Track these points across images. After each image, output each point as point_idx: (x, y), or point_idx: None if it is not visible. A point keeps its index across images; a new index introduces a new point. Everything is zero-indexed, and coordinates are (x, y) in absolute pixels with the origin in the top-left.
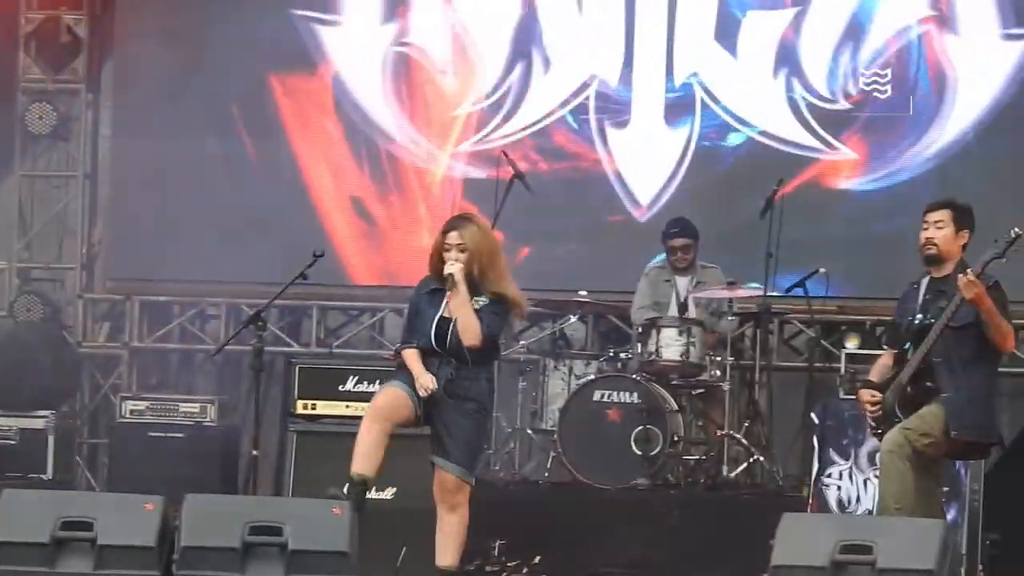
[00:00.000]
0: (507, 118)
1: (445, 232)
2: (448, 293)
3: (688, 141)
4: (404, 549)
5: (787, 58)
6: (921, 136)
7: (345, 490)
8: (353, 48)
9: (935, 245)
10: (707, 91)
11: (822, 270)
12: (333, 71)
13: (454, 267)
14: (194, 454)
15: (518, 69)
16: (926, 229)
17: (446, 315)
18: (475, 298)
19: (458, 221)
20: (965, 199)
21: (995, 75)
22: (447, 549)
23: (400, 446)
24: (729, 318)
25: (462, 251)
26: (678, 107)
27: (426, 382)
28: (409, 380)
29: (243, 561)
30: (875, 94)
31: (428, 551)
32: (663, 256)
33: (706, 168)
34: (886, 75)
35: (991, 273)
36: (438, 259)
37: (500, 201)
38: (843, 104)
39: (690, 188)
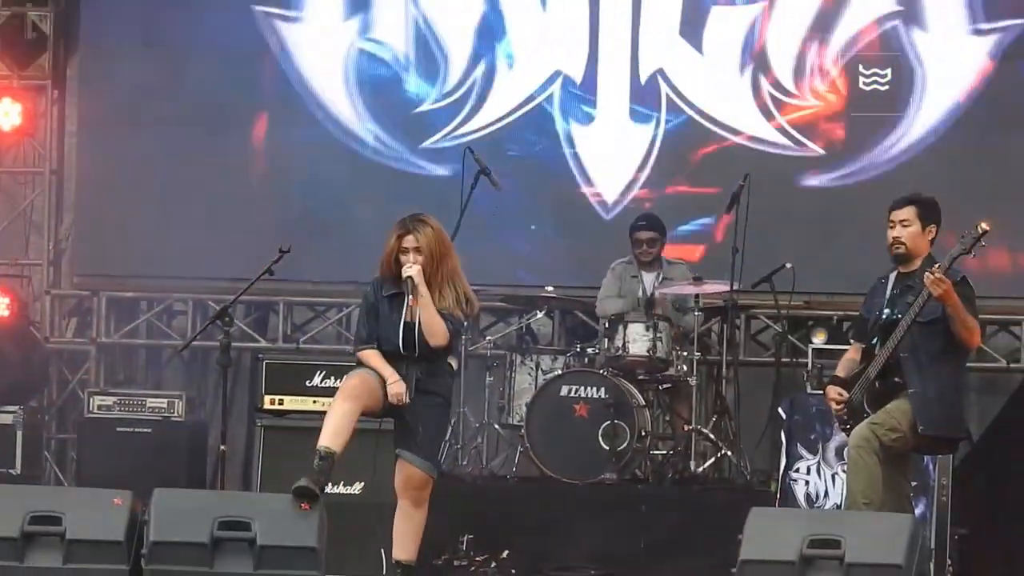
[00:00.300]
0: (471, 115)
1: (400, 236)
2: (410, 298)
3: (654, 137)
4: (383, 551)
5: (753, 54)
6: (889, 132)
7: (314, 464)
8: (315, 45)
9: (903, 244)
10: (672, 87)
11: (788, 265)
12: (295, 67)
13: (413, 270)
14: (162, 449)
15: (482, 65)
16: (892, 228)
17: (409, 320)
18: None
19: (413, 224)
20: (933, 194)
21: (964, 71)
22: (411, 543)
23: (369, 440)
24: (696, 313)
25: (419, 253)
26: (644, 103)
27: (399, 391)
28: (378, 373)
29: (212, 556)
30: (875, 88)
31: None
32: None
33: (672, 164)
34: (886, 75)
35: (958, 269)
36: (394, 262)
37: (465, 197)
38: (810, 100)
39: (656, 184)
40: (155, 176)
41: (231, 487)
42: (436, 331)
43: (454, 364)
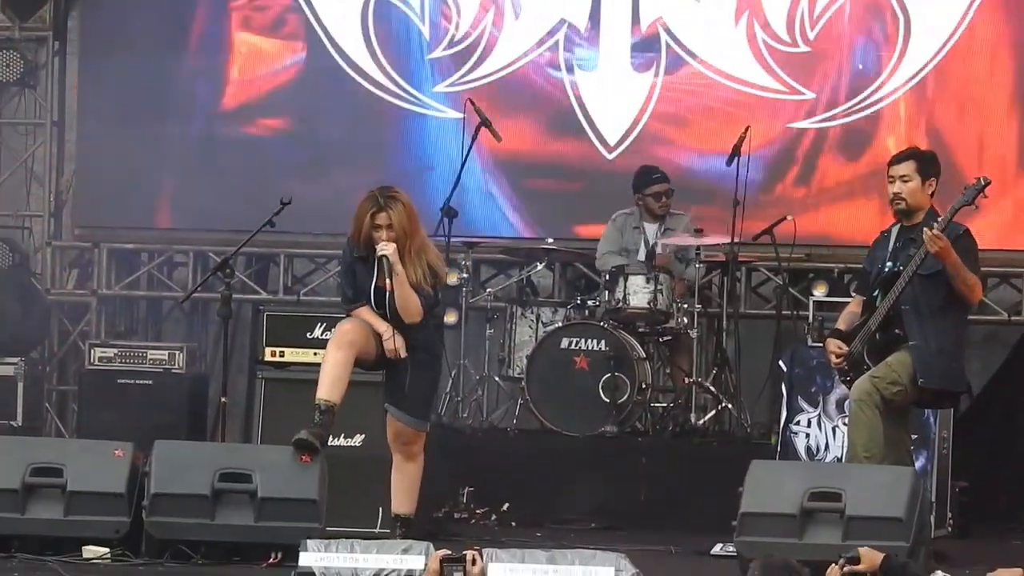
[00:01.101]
0: (479, 62)
1: (373, 213)
2: (388, 281)
3: (654, 85)
4: (380, 511)
5: (748, 3)
6: (879, 76)
7: (315, 418)
8: None
9: (903, 200)
10: (672, 35)
11: (789, 217)
12: (308, 15)
13: (388, 249)
14: (162, 401)
15: (490, 14)
16: (892, 183)
17: (380, 285)
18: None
19: (386, 200)
20: (920, 138)
21: (947, 17)
22: (408, 496)
23: (369, 393)
24: (697, 265)
25: (391, 231)
26: (644, 51)
27: (396, 345)
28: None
29: (213, 508)
30: (864, 34)
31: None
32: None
33: (671, 111)
34: (874, 21)
35: (957, 223)
36: (367, 237)
37: (466, 149)
38: (802, 47)
39: (656, 131)
40: (156, 128)
41: (232, 439)
42: (411, 310)
43: (452, 318)
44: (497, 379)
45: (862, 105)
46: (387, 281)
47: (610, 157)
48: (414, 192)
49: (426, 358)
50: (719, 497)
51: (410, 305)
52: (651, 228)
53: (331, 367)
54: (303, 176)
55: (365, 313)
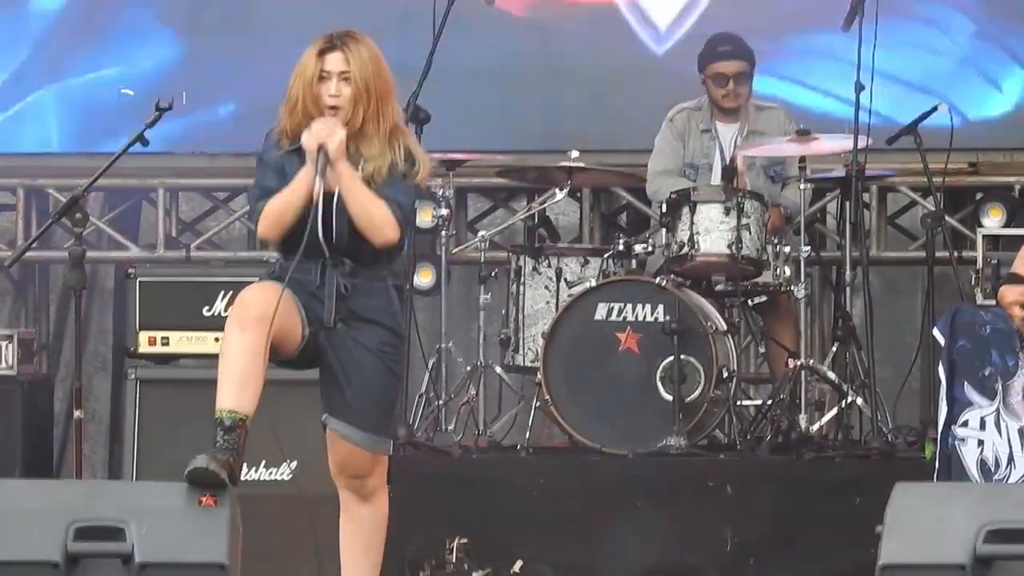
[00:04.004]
0: None
1: (323, 51)
2: (318, 179)
3: None
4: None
5: None
6: None
7: (216, 438)
8: None
9: None
10: None
11: (942, 106)
12: None
13: (324, 129)
14: None
15: None
16: None
17: (328, 191)
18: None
19: (342, 38)
20: None
21: None
22: (366, 557)
23: (303, 397)
24: (801, 186)
25: (346, 83)
26: None
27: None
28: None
29: None
30: None
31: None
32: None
33: None
34: None
35: None
36: (311, 100)
37: (440, 21)
38: None
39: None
40: None
41: (92, 474)
42: (377, 221)
43: (426, 277)
44: (499, 370)
45: None
46: (316, 186)
47: (659, 52)
48: None
49: (384, 338)
50: (846, 541)
51: (375, 214)
52: (727, 130)
53: (235, 359)
54: (193, 67)
55: (278, 195)
